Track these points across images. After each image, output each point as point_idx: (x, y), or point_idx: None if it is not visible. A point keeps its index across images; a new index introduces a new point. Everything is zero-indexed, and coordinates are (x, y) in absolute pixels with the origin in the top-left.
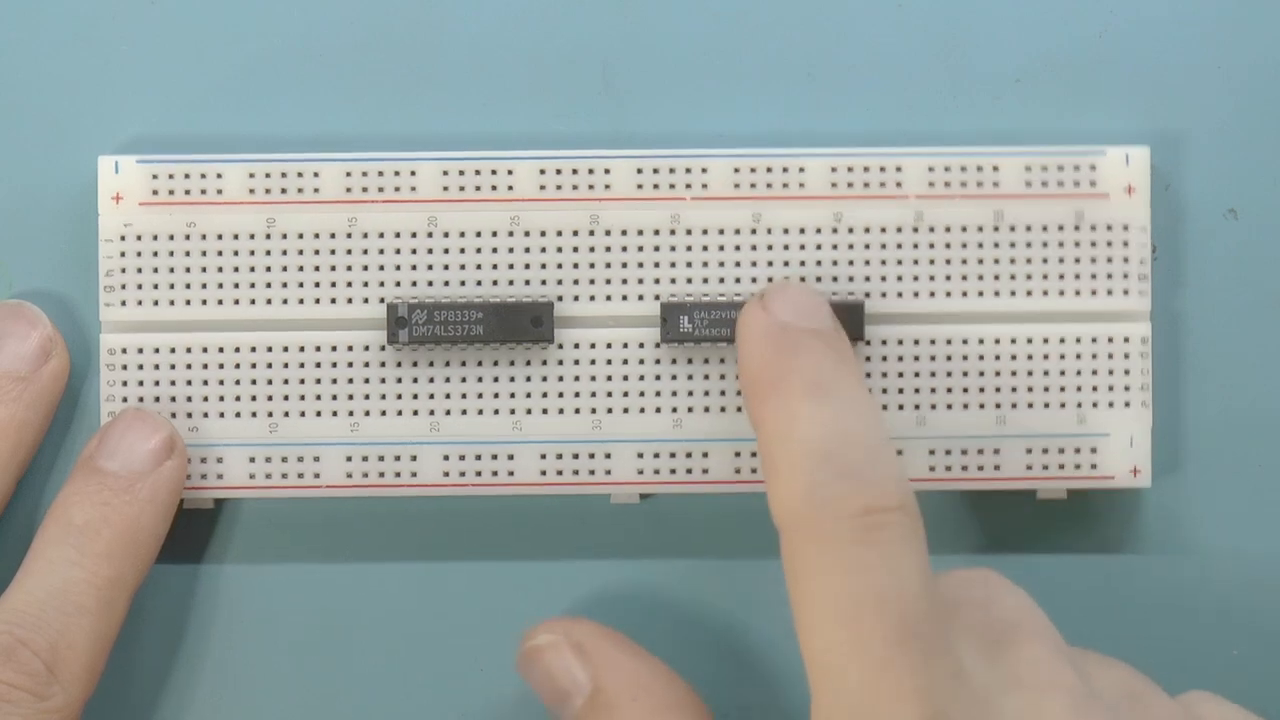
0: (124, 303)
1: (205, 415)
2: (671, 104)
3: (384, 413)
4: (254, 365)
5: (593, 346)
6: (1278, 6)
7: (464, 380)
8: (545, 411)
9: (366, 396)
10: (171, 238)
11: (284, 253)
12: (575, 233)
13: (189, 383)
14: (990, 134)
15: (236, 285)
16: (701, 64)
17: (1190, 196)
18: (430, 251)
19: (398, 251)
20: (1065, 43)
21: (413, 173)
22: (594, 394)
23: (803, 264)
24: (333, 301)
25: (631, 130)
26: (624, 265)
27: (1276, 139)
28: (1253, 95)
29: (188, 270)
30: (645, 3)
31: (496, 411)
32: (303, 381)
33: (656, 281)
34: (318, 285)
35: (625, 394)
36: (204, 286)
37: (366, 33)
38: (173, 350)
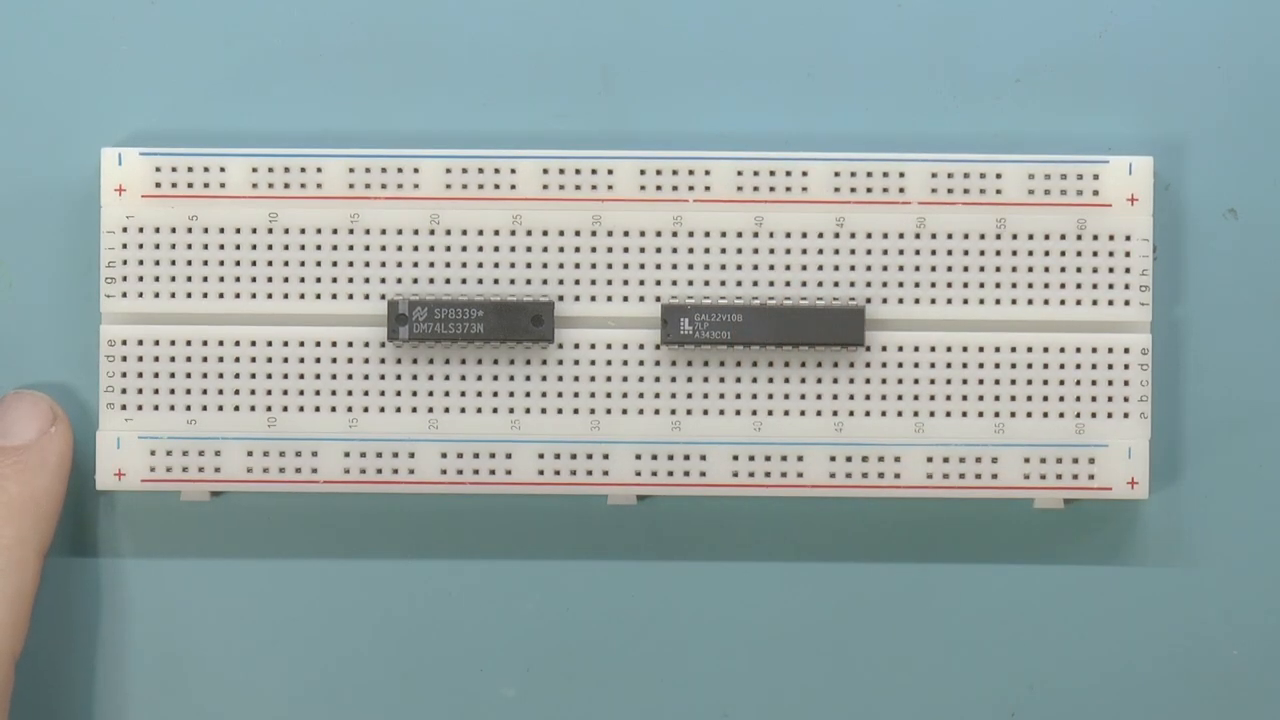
0: (125, 294)
1: (204, 408)
2: (671, 103)
3: (383, 409)
4: (254, 359)
5: (593, 347)
6: (1278, 7)
7: (463, 378)
8: (544, 411)
9: (365, 393)
10: (173, 230)
11: (285, 247)
12: (577, 233)
13: (188, 375)
14: (990, 134)
15: (238, 279)
16: (701, 64)
17: (1190, 196)
18: (432, 249)
19: (399, 248)
20: (1065, 43)
21: (416, 170)
22: (593, 394)
23: (804, 268)
24: (333, 297)
25: (631, 129)
26: (625, 266)
27: (1276, 139)
28: (1252, 95)
29: (189, 263)
30: (645, 3)
31: (495, 410)
32: (302, 376)
33: (658, 283)
34: (319, 280)
35: (624, 395)
36: (205, 280)
37: (369, 29)
38: (172, 343)
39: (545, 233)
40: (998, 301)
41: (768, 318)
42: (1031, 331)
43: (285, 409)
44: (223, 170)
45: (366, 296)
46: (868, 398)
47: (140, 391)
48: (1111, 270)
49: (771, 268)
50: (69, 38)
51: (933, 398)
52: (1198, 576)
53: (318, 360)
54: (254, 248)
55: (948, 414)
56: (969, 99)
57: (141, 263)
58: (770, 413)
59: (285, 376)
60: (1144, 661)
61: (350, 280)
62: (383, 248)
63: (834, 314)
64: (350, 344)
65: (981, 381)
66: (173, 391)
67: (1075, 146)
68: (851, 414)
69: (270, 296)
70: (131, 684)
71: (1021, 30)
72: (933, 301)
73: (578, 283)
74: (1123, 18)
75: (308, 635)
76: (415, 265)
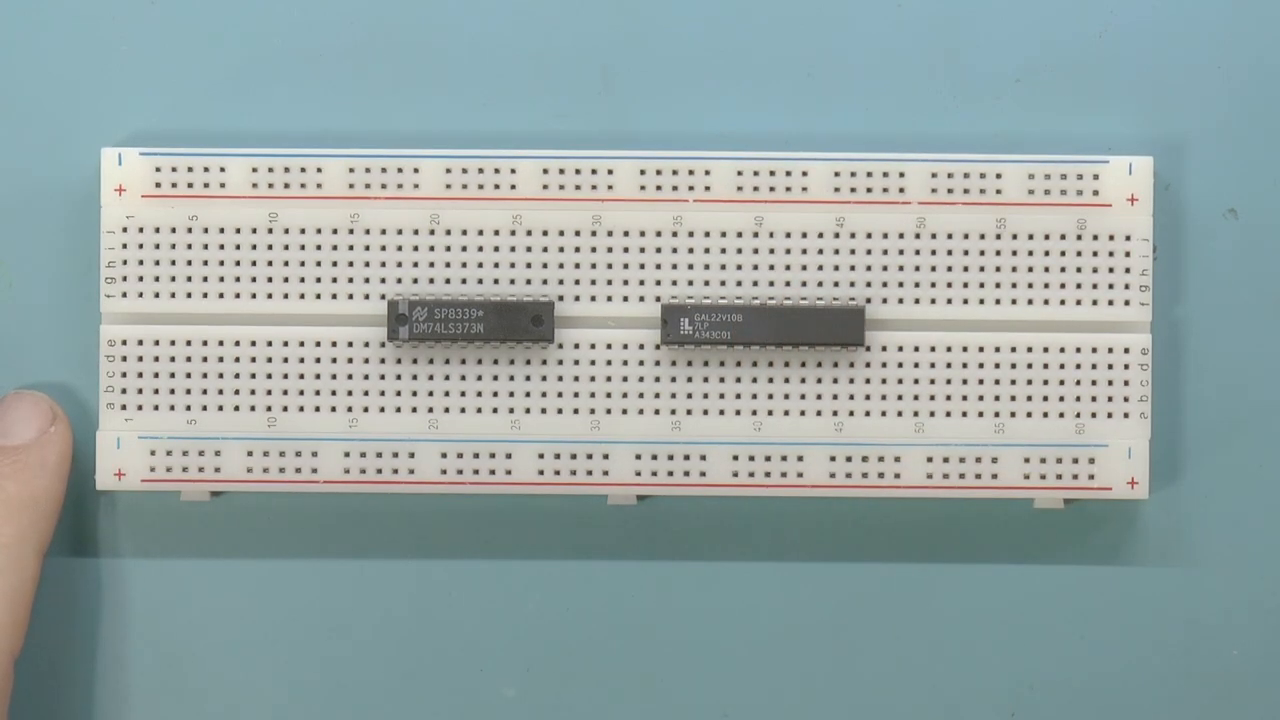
0: (125, 294)
1: (204, 408)
2: (670, 103)
3: (383, 409)
4: (254, 359)
5: (593, 347)
6: (1277, 6)
7: (463, 378)
8: (544, 411)
9: (365, 393)
10: (173, 230)
11: (285, 247)
12: (577, 232)
13: (188, 375)
14: (990, 133)
15: (238, 279)
16: (701, 64)
17: (1190, 196)
18: (432, 249)
19: (399, 248)
20: (1065, 43)
21: (416, 170)
22: (593, 394)
23: (804, 268)
24: (333, 297)
25: (631, 129)
26: (625, 266)
27: (1276, 139)
28: (1252, 95)
29: (189, 263)
30: (646, 3)
31: (495, 410)
32: (302, 376)
33: (658, 283)
34: (319, 280)
35: (624, 395)
36: (205, 280)
37: (370, 29)
38: (173, 343)
39: (545, 233)
40: (998, 301)
41: (768, 318)
42: (1032, 331)
43: (285, 409)
44: (223, 170)
45: (366, 296)
46: (868, 398)
47: (140, 391)
48: (1111, 270)
49: (771, 268)
50: (69, 38)
51: (933, 398)
52: (1197, 576)
53: (318, 360)
54: (254, 248)
55: (948, 414)
56: (969, 99)
57: (141, 263)
58: (770, 413)
59: (285, 376)
60: (1144, 662)
61: (350, 280)
62: (383, 248)
63: (834, 314)
64: (350, 344)
65: (981, 381)
66: (173, 391)
67: (1075, 146)
68: (851, 414)
69: (270, 296)
70: (131, 684)
71: (1021, 30)
72: (933, 301)
73: (578, 283)
74: (1123, 18)
75: (308, 635)
76: (415, 265)
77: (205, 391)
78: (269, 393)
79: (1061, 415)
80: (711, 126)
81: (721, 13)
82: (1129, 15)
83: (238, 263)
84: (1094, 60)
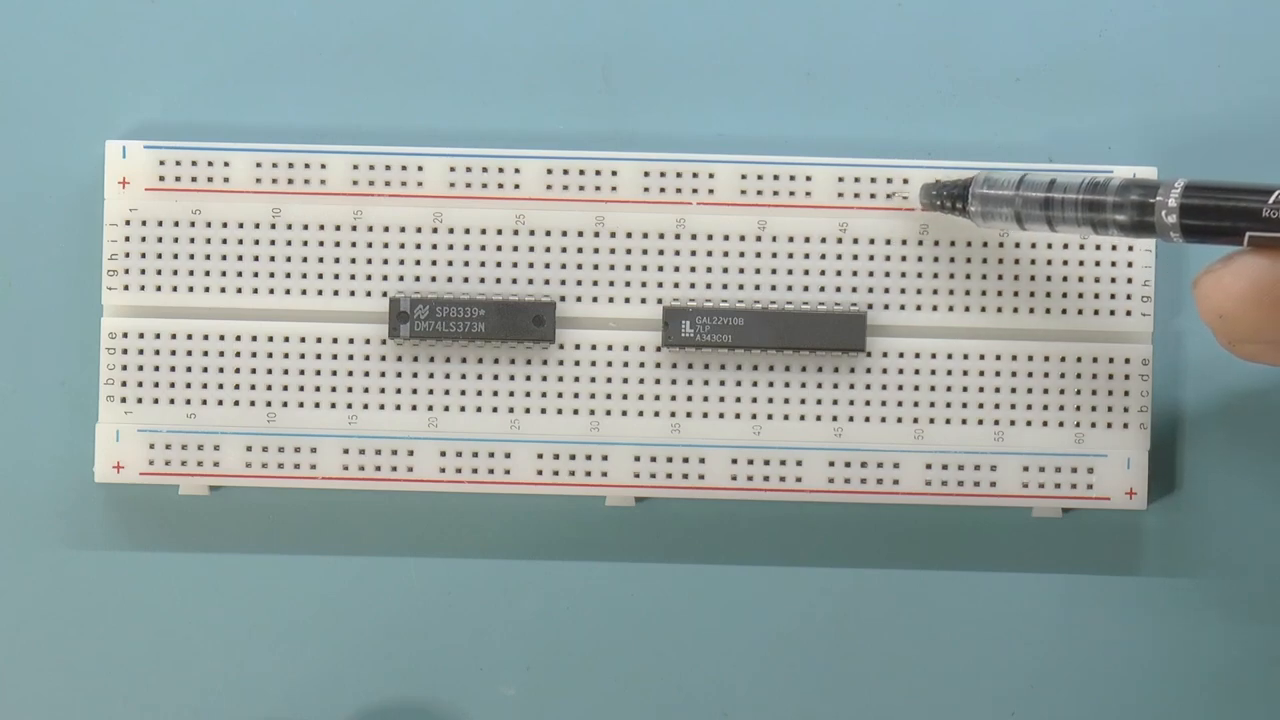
0: (126, 287)
1: (204, 402)
2: (670, 103)
3: (382, 406)
4: (254, 354)
5: (594, 348)
6: (1277, 7)
7: (464, 377)
8: (544, 411)
9: (366, 390)
10: (176, 224)
11: (288, 243)
12: (580, 233)
13: (189, 369)
14: (990, 133)
15: (240, 274)
16: (700, 63)
17: None
18: (434, 247)
19: (402, 246)
20: (1065, 42)
21: (420, 168)
22: (593, 395)
23: (806, 273)
24: (335, 293)
25: (635, 130)
26: (628, 268)
27: (1276, 138)
28: (1252, 94)
29: (191, 257)
30: (651, 4)
31: (495, 409)
32: (302, 372)
33: (660, 285)
34: (320, 277)
35: (624, 396)
36: (207, 274)
37: (375, 26)
38: (173, 336)
39: (548, 233)
40: (1000, 310)
41: (769, 321)
42: (1033, 340)
43: (285, 404)
44: (227, 165)
45: (368, 293)
46: (868, 403)
47: (140, 385)
48: (1114, 280)
49: (774, 271)
50: (74, 29)
51: (933, 404)
52: (1194, 586)
53: (318, 356)
54: (256, 243)
55: (947, 421)
56: (969, 99)
57: (144, 255)
58: (770, 417)
59: (286, 372)
60: (1140, 674)
61: (352, 277)
62: (385, 245)
63: (836, 319)
64: (351, 341)
65: (982, 389)
66: (173, 385)
67: (1077, 145)
68: (851, 419)
69: (272, 292)
70: (128, 679)
71: (1021, 30)
72: (935, 309)
73: (580, 283)
74: (1122, 17)
75: (306, 632)
76: (418, 263)
77: (205, 385)
78: (269, 388)
79: (1061, 424)
80: (709, 127)
81: (721, 13)
82: (1128, 15)
83: (240, 257)
84: (1093, 59)
